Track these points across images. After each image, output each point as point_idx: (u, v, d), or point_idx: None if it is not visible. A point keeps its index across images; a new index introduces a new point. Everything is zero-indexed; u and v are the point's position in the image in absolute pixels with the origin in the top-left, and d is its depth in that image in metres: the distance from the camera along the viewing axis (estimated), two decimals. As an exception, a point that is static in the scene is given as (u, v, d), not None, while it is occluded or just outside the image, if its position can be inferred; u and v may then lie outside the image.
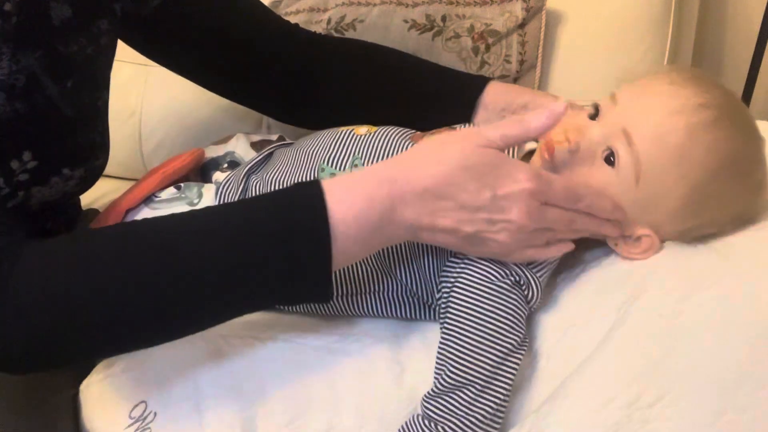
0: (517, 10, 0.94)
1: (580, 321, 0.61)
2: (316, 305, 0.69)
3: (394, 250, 0.65)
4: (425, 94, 0.83)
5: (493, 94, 0.79)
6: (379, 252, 0.65)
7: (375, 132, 0.71)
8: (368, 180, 0.56)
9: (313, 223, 0.54)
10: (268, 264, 0.54)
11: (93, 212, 1.01)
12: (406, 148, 0.68)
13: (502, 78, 0.95)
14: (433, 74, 0.84)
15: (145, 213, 0.71)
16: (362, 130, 0.72)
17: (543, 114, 0.57)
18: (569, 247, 0.60)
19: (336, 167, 0.68)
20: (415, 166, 0.56)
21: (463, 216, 0.56)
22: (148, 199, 0.72)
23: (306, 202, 0.54)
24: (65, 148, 0.67)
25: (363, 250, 0.58)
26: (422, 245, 0.64)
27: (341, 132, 0.72)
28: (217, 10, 0.80)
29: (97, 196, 1.28)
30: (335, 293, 0.67)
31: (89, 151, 0.70)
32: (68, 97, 0.66)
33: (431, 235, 0.57)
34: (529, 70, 0.96)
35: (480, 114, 0.79)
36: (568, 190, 0.57)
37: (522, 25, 0.94)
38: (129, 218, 0.72)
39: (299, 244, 0.54)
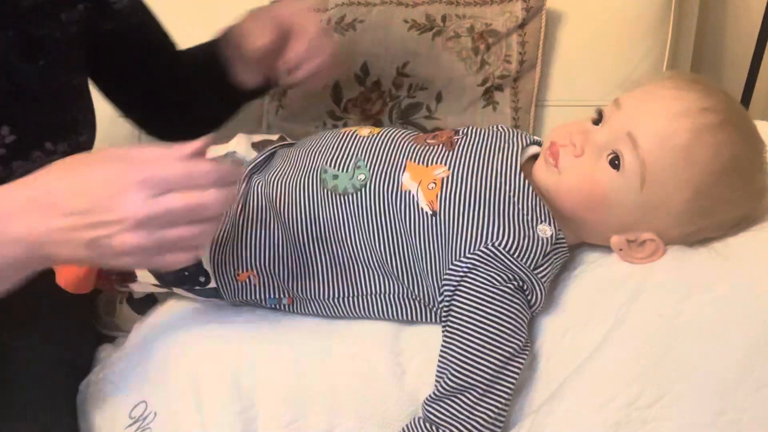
0: (517, 10, 0.94)
1: (580, 322, 0.62)
2: (318, 307, 0.69)
3: (396, 252, 0.65)
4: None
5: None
6: (380, 254, 0.65)
7: (378, 133, 0.71)
8: None
9: None
10: None
11: None
12: (409, 149, 0.68)
13: (502, 78, 0.95)
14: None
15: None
16: (365, 131, 0.72)
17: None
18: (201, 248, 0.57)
19: (338, 168, 0.68)
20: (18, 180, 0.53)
21: (72, 221, 0.52)
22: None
23: None
24: (43, 123, 0.68)
25: None
26: (423, 247, 0.64)
27: (344, 133, 0.72)
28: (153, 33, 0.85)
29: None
30: (335, 295, 0.68)
31: (71, 126, 0.71)
32: (41, 76, 0.68)
33: (54, 248, 0.53)
34: (529, 70, 0.96)
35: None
36: (187, 174, 0.52)
37: (522, 25, 0.94)
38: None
39: None
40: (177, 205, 0.52)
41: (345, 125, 1.03)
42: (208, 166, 0.53)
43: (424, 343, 0.66)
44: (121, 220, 0.51)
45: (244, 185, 0.71)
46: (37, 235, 0.52)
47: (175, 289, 0.73)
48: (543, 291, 0.61)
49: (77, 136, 0.71)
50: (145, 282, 0.72)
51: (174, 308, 0.76)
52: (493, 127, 0.72)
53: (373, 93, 1.00)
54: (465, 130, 0.71)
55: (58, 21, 0.70)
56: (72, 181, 0.53)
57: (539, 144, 0.69)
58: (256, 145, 0.84)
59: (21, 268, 0.55)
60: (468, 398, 0.57)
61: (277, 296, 0.70)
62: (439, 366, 0.60)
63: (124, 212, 0.51)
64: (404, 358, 0.65)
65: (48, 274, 0.81)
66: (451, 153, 0.67)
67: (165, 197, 0.51)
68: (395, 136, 0.70)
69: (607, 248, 0.66)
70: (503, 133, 0.70)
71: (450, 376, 0.58)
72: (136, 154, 0.53)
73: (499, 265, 0.60)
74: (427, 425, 0.58)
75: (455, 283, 0.61)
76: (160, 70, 0.85)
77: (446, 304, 0.61)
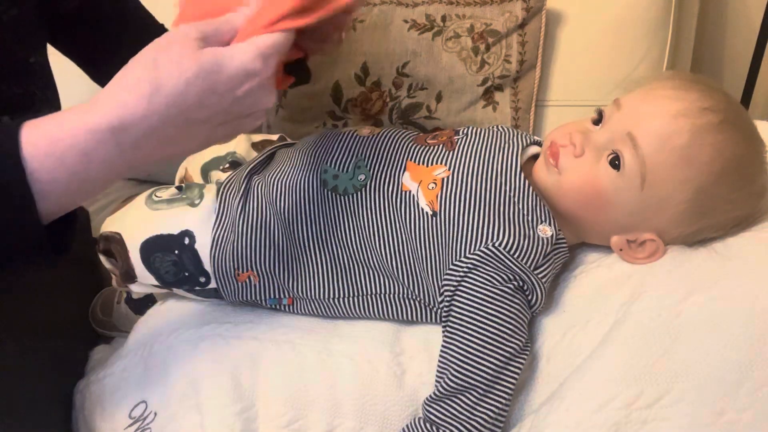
0: (517, 10, 0.94)
1: (580, 322, 0.62)
2: (318, 307, 0.69)
3: (396, 252, 0.65)
4: None
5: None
6: (380, 255, 0.65)
7: (378, 133, 0.71)
8: (79, 134, 0.49)
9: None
10: None
11: (78, 209, 1.01)
12: (409, 149, 0.68)
13: (502, 78, 0.95)
14: None
15: (146, 213, 0.71)
16: (365, 131, 0.72)
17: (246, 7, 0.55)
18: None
19: (339, 169, 0.68)
20: (135, 100, 0.49)
21: (216, 119, 0.53)
22: (148, 199, 0.72)
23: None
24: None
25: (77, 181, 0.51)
26: (423, 247, 0.64)
27: (344, 133, 0.72)
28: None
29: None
30: (335, 295, 0.68)
31: (28, 101, 0.71)
32: None
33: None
34: (529, 70, 0.96)
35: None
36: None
37: (522, 25, 0.94)
38: (130, 213, 0.72)
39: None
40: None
41: (345, 125, 1.03)
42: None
43: (424, 343, 0.66)
44: (263, 110, 0.55)
45: (244, 185, 0.71)
46: (168, 153, 0.53)
47: (175, 290, 0.73)
48: (543, 291, 0.61)
49: (35, 113, 0.72)
50: (145, 282, 0.72)
51: (174, 308, 0.76)
52: (493, 127, 0.72)
53: (373, 93, 1.00)
54: (465, 130, 0.71)
55: None
56: (199, 94, 0.51)
57: (539, 144, 0.69)
58: (256, 145, 0.84)
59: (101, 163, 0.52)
60: (468, 398, 0.57)
61: (277, 296, 0.70)
62: (439, 366, 0.60)
63: (266, 102, 0.54)
64: (404, 358, 0.65)
65: (44, 275, 0.81)
66: (451, 153, 0.67)
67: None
68: (395, 136, 0.70)
69: (607, 248, 0.66)
70: (503, 133, 0.70)
71: (450, 376, 0.58)
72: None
73: (499, 265, 0.60)
74: (428, 425, 0.58)
75: (455, 283, 0.61)
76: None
77: (446, 304, 0.61)
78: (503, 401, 0.58)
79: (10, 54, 0.70)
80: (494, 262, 0.60)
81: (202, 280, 0.70)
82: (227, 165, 0.81)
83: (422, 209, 0.63)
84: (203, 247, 0.69)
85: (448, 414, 0.58)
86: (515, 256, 0.60)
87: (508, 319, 0.59)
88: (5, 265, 0.56)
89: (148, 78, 0.50)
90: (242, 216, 0.68)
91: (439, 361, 0.60)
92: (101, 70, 0.87)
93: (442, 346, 0.60)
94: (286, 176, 0.69)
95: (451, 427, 0.57)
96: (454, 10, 0.96)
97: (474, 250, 0.61)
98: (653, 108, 0.60)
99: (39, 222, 0.50)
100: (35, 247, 0.52)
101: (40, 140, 0.49)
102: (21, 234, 0.51)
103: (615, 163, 0.60)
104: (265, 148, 0.79)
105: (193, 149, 0.56)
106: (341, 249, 0.66)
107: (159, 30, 0.91)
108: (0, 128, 0.51)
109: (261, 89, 0.53)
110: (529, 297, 0.61)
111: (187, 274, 0.70)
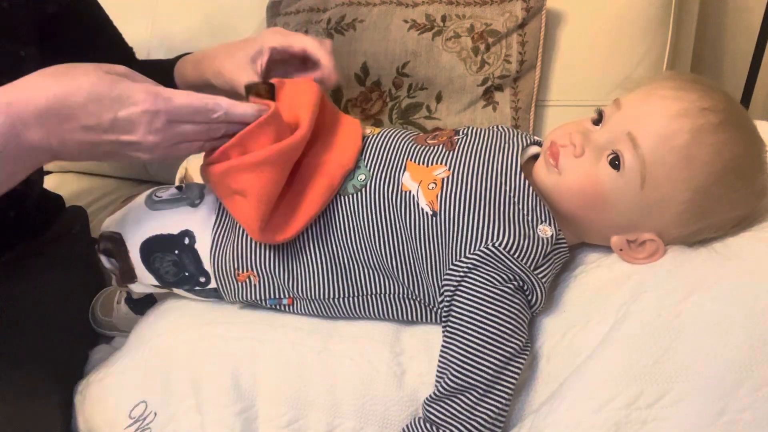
0: (517, 10, 0.94)
1: (580, 322, 0.62)
2: (318, 307, 0.69)
3: (396, 252, 0.65)
4: None
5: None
6: (380, 255, 0.65)
7: (378, 133, 0.71)
8: None
9: None
10: None
11: (77, 210, 1.02)
12: (409, 149, 0.68)
13: (502, 78, 0.95)
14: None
15: (146, 213, 0.71)
16: (365, 131, 0.72)
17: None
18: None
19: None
20: (32, 86, 0.56)
21: (92, 137, 0.56)
22: (148, 199, 0.72)
23: None
24: None
25: None
26: (423, 247, 0.64)
27: (344, 133, 0.72)
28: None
29: (96, 194, 1.28)
30: (335, 295, 0.68)
31: None
32: None
33: (72, 155, 0.57)
34: (529, 70, 0.96)
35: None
36: (190, 106, 0.58)
37: (522, 25, 0.94)
38: (130, 213, 0.72)
39: None
40: (192, 134, 0.59)
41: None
42: (216, 105, 0.59)
43: (424, 343, 0.66)
44: (138, 143, 0.57)
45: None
46: (54, 145, 0.56)
47: (175, 290, 0.73)
48: (543, 291, 0.61)
49: None
50: (145, 282, 0.72)
51: (174, 308, 0.76)
52: (493, 127, 0.72)
53: (373, 93, 1.00)
54: (465, 130, 0.71)
55: None
56: (90, 96, 0.55)
57: (539, 144, 0.69)
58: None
59: (25, 168, 0.58)
60: (468, 398, 0.57)
61: (277, 297, 0.70)
62: (439, 366, 0.60)
63: (140, 136, 0.56)
64: (404, 358, 0.65)
65: (43, 275, 0.82)
66: (451, 153, 0.67)
67: (182, 127, 0.58)
68: (395, 136, 0.70)
69: (607, 248, 0.66)
70: (503, 133, 0.70)
71: (450, 376, 0.58)
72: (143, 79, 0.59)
73: (499, 265, 0.60)
74: (428, 425, 0.58)
75: (455, 283, 0.61)
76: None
77: (446, 304, 0.61)
78: (503, 401, 0.58)
79: (1, 47, 0.70)
80: (494, 262, 0.60)
81: (202, 280, 0.70)
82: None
83: (422, 209, 0.63)
84: (203, 247, 0.69)
85: (448, 414, 0.58)
86: (515, 256, 0.60)
87: (508, 319, 0.59)
88: None
89: (54, 71, 0.57)
90: (242, 216, 0.68)
91: (439, 361, 0.60)
92: None
93: (442, 346, 0.60)
94: (286, 176, 0.69)
95: (451, 427, 0.57)
96: (454, 10, 0.96)
97: (474, 250, 0.61)
98: (653, 108, 0.60)
99: None
100: None
101: None
102: None
103: (615, 163, 0.60)
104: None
105: (82, 158, 0.59)
106: (341, 249, 0.66)
107: (127, 51, 0.94)
108: None
109: (142, 122, 0.56)
110: (529, 297, 0.61)
111: (187, 274, 0.70)
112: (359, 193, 0.66)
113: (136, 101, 0.56)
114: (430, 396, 0.60)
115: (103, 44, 0.90)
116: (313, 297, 0.68)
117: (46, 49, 0.82)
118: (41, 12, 0.78)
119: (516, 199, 0.63)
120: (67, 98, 0.55)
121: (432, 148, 0.68)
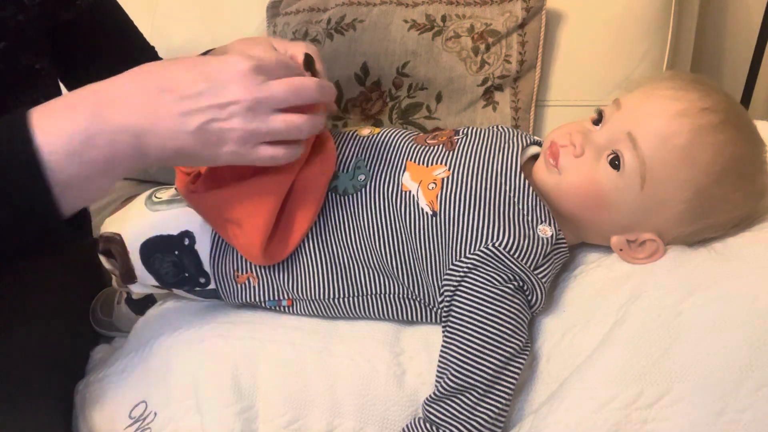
0: (517, 10, 0.94)
1: (580, 322, 0.62)
2: (318, 307, 0.69)
3: (396, 252, 0.65)
4: None
5: None
6: (380, 255, 0.65)
7: (378, 133, 0.71)
8: (71, 96, 0.54)
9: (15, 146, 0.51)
10: None
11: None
12: (409, 149, 0.68)
13: (502, 78, 0.95)
14: None
15: (146, 213, 0.71)
16: (365, 131, 0.72)
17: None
18: (300, 149, 0.60)
19: (338, 169, 0.68)
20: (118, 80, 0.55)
21: (186, 106, 0.53)
22: (148, 200, 0.72)
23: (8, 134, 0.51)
24: (4, 103, 0.69)
25: (84, 168, 0.52)
26: (423, 247, 0.64)
27: (344, 133, 0.72)
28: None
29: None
30: (335, 295, 0.67)
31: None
32: (2, 57, 0.68)
33: (158, 140, 0.53)
34: (529, 70, 0.96)
35: None
36: (281, 61, 0.57)
37: (522, 25, 0.94)
38: (130, 214, 0.72)
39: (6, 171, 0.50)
40: (284, 91, 0.56)
41: (345, 125, 1.03)
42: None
43: (424, 343, 0.66)
44: (235, 102, 0.53)
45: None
46: (145, 122, 0.52)
47: (175, 290, 0.73)
48: (543, 291, 0.61)
49: None
50: (145, 283, 0.72)
51: (174, 308, 0.76)
52: (493, 127, 0.72)
53: (373, 93, 1.00)
54: (465, 130, 0.71)
55: (20, 3, 0.70)
56: (184, 68, 0.54)
57: (539, 144, 0.69)
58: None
59: (112, 156, 0.53)
60: (468, 398, 0.57)
61: (276, 298, 0.70)
62: (439, 366, 0.60)
63: (238, 94, 0.53)
64: (404, 358, 0.65)
65: (43, 273, 0.81)
66: (451, 153, 0.67)
67: (274, 83, 0.55)
68: (395, 136, 0.70)
69: (607, 248, 0.66)
70: (503, 133, 0.70)
71: (450, 376, 0.58)
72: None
73: (499, 265, 0.60)
74: (428, 425, 0.58)
75: (455, 283, 0.61)
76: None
77: (446, 304, 0.61)
78: (503, 401, 0.58)
79: (17, 61, 0.70)
80: (494, 262, 0.60)
81: (202, 281, 0.70)
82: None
83: (422, 209, 0.63)
84: (203, 248, 0.69)
85: (448, 414, 0.58)
86: (515, 256, 0.60)
87: (508, 320, 0.59)
88: (19, 255, 0.57)
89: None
90: (242, 216, 0.68)
91: (439, 361, 0.60)
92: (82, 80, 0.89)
93: (442, 346, 0.60)
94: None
95: (451, 427, 0.57)
96: (454, 10, 0.96)
97: (474, 250, 0.61)
98: (653, 108, 0.60)
99: (57, 210, 0.52)
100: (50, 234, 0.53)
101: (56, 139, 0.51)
102: (39, 222, 0.52)
103: (615, 163, 0.60)
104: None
105: (167, 146, 0.55)
106: (341, 249, 0.66)
107: (151, 52, 0.93)
108: (11, 125, 0.52)
109: (239, 79, 0.54)
110: (529, 297, 0.61)
111: (187, 274, 0.70)
112: (359, 193, 0.66)
113: (230, 62, 0.55)
114: (430, 396, 0.60)
115: (129, 47, 0.89)
116: (313, 297, 0.68)
117: (61, 58, 0.82)
118: (56, 20, 0.78)
119: (516, 199, 0.63)
120: (160, 73, 0.54)
121: (432, 148, 0.68)
